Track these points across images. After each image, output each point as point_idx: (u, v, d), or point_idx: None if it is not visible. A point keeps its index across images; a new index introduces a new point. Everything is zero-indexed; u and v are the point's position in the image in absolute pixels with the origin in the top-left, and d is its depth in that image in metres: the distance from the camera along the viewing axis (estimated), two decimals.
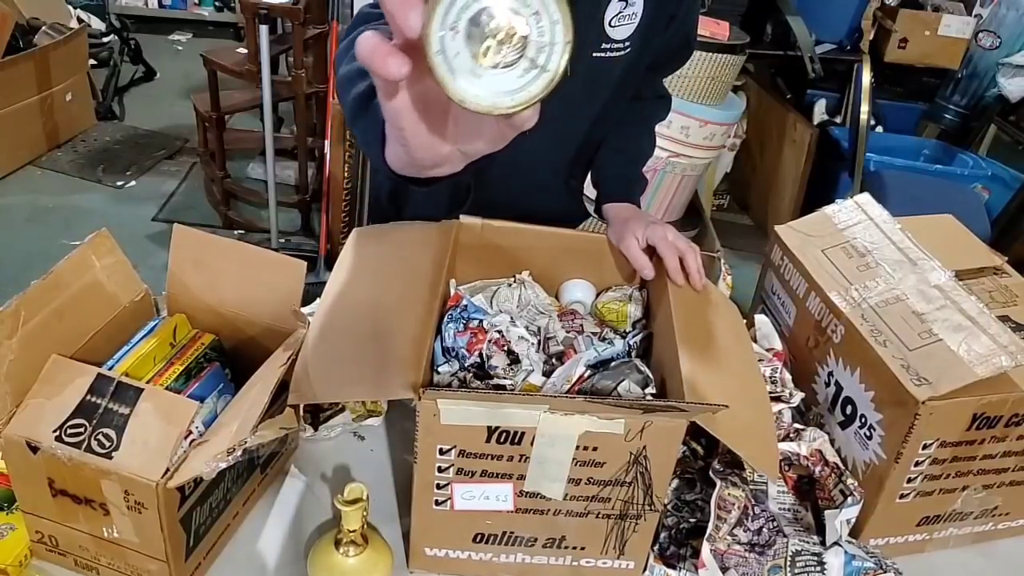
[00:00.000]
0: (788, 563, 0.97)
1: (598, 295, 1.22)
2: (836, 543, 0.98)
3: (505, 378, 1.02)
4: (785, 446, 1.05)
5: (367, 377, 0.88)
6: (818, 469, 1.05)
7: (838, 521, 0.98)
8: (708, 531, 0.96)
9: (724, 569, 0.98)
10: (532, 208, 1.18)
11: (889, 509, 1.05)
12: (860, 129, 2.99)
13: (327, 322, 0.96)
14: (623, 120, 1.27)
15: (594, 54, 1.10)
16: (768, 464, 0.91)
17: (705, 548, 0.96)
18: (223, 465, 0.84)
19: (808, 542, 0.99)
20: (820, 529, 1.02)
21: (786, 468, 1.10)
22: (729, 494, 1.00)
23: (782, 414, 1.09)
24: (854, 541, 1.01)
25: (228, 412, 0.94)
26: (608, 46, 1.10)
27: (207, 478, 0.85)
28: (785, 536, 0.99)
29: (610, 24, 1.08)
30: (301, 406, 1.13)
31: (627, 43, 1.11)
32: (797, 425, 1.09)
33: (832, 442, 1.10)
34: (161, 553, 0.89)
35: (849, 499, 0.99)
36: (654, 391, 1.01)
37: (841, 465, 1.06)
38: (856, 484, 1.01)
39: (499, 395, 0.89)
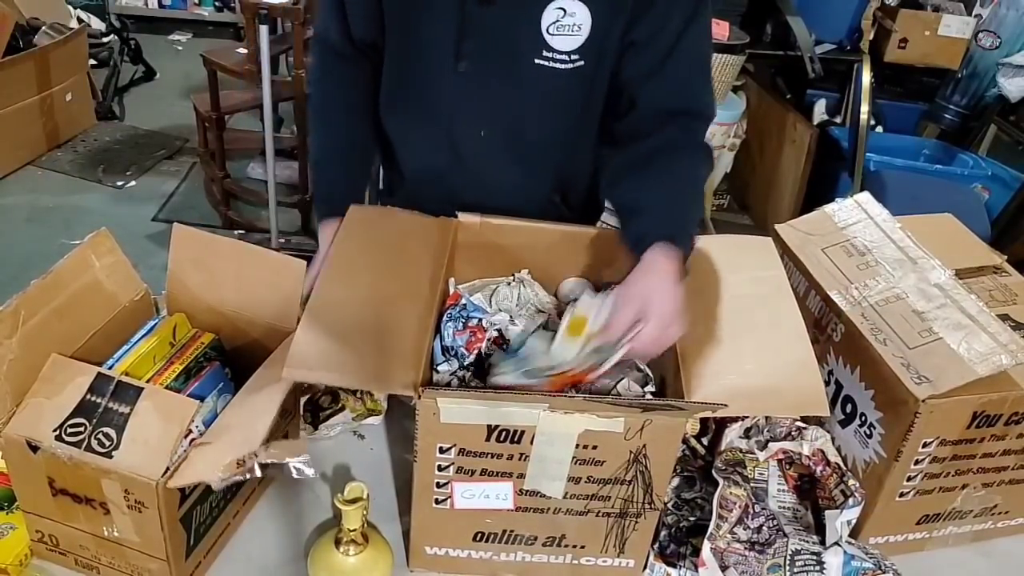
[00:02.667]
0: (787, 562, 0.97)
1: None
2: (835, 543, 0.98)
3: None
4: (787, 445, 1.05)
5: (366, 367, 0.88)
6: (820, 469, 1.05)
7: (839, 522, 0.97)
8: (709, 530, 0.96)
9: (724, 567, 0.98)
10: (511, 209, 1.18)
11: (889, 508, 1.05)
12: (860, 129, 2.99)
13: (327, 302, 0.95)
14: (643, 171, 1.11)
15: (536, 61, 1.11)
16: (813, 405, 0.91)
17: (706, 547, 0.96)
18: (237, 478, 0.84)
19: (808, 541, 0.99)
20: (820, 528, 1.02)
21: (787, 467, 1.10)
22: (731, 493, 1.00)
23: None
24: (853, 541, 1.01)
25: (230, 413, 0.94)
26: (550, 55, 1.11)
27: (216, 489, 0.86)
28: (785, 535, 0.99)
29: (548, 32, 1.09)
30: (301, 405, 1.14)
31: (576, 56, 1.11)
32: (799, 423, 1.09)
33: (832, 441, 1.10)
34: (161, 552, 0.89)
35: (850, 500, 0.99)
36: (653, 389, 1.01)
37: (843, 465, 1.06)
38: (857, 485, 1.01)
39: (499, 394, 0.89)
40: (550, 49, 1.11)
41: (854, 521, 1.00)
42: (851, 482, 1.01)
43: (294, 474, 0.89)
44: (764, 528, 1.01)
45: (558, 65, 1.12)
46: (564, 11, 1.08)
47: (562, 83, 1.14)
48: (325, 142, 1.28)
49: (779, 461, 1.10)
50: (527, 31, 1.10)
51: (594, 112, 1.22)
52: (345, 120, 1.27)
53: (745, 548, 0.99)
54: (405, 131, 1.28)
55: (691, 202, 1.11)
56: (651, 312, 0.92)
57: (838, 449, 1.09)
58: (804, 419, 1.15)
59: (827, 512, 0.99)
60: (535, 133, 1.21)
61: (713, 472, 1.01)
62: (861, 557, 0.97)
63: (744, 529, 1.01)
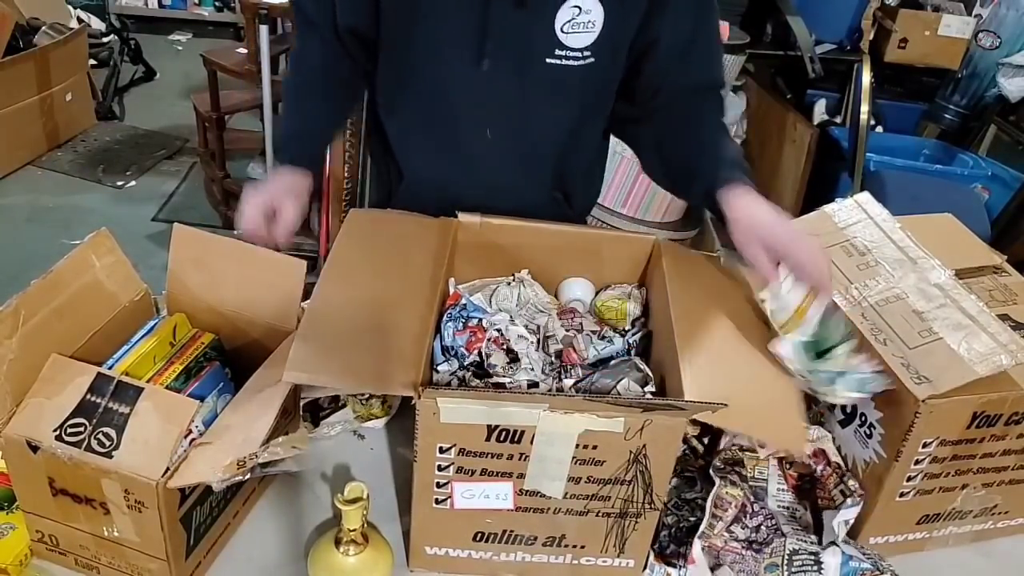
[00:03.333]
0: (785, 561, 0.97)
1: (597, 293, 1.22)
2: (833, 543, 0.98)
3: (504, 376, 1.02)
4: None
5: (367, 367, 0.88)
6: (820, 468, 1.05)
7: (836, 522, 0.97)
8: (701, 528, 0.96)
9: (719, 565, 0.98)
10: (510, 209, 1.18)
11: (889, 508, 1.05)
12: (860, 129, 2.98)
13: (327, 305, 0.96)
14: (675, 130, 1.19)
15: (548, 60, 1.11)
16: (792, 441, 0.92)
17: (696, 545, 0.96)
18: (239, 478, 0.84)
19: (806, 541, 0.99)
20: (818, 528, 1.02)
21: (787, 466, 1.10)
22: (727, 492, 1.00)
23: None
24: (851, 541, 1.01)
25: (230, 413, 0.94)
26: (563, 53, 1.11)
27: (217, 490, 0.86)
28: (783, 535, 0.99)
29: (562, 30, 1.09)
30: (301, 404, 1.13)
31: (587, 52, 1.11)
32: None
33: (833, 440, 1.09)
34: (161, 552, 0.89)
35: (849, 500, 0.99)
36: (653, 389, 1.01)
37: (843, 465, 1.05)
38: (857, 485, 1.01)
39: (499, 394, 0.89)
40: (563, 47, 1.10)
41: (852, 521, 1.00)
42: (851, 482, 1.01)
43: (294, 467, 0.89)
44: (762, 527, 1.01)
45: (570, 63, 1.11)
46: (579, 9, 1.08)
47: (572, 80, 1.14)
48: (299, 91, 1.26)
49: (779, 460, 1.10)
50: (541, 30, 1.09)
51: (600, 106, 1.22)
52: (322, 84, 1.25)
53: (743, 547, 0.99)
54: (407, 133, 1.27)
55: (739, 154, 1.15)
56: (782, 242, 0.99)
57: (838, 449, 1.09)
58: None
59: (825, 512, 0.99)
60: (541, 131, 1.21)
61: (711, 471, 1.01)
62: (859, 557, 0.97)
63: (742, 528, 1.01)
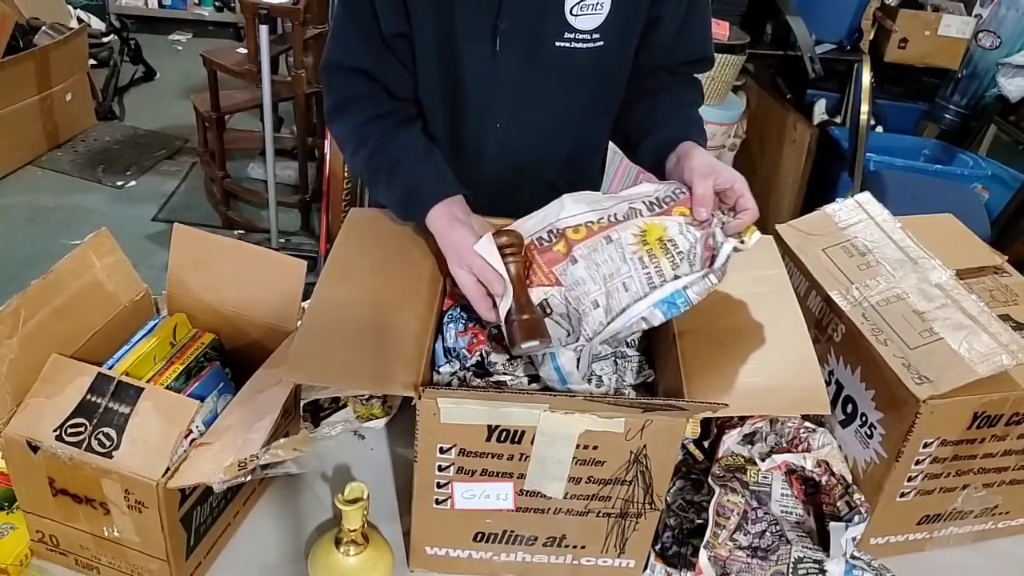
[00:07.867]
0: (790, 570, 0.96)
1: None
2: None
3: (506, 374, 1.02)
4: (790, 458, 1.05)
5: (367, 367, 0.88)
6: (824, 479, 1.05)
7: (844, 539, 0.97)
8: (706, 538, 0.96)
9: (726, 575, 0.97)
10: (511, 209, 1.17)
11: (890, 508, 1.05)
12: (860, 129, 2.98)
13: (327, 305, 0.95)
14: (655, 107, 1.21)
15: (557, 43, 1.10)
16: (815, 404, 0.92)
17: (703, 555, 0.96)
18: (239, 480, 0.84)
19: (810, 548, 0.99)
20: (822, 534, 1.02)
21: (791, 472, 1.09)
22: (728, 500, 0.99)
23: None
24: (856, 550, 1.01)
25: (230, 413, 0.94)
26: (572, 36, 1.10)
27: (217, 490, 0.86)
28: (788, 542, 0.99)
29: (571, 13, 1.08)
30: (302, 405, 1.13)
31: (596, 35, 1.10)
32: (808, 424, 1.08)
33: (840, 448, 1.09)
34: (162, 552, 0.89)
35: (856, 517, 0.98)
36: (651, 379, 1.01)
37: (848, 477, 1.05)
38: (863, 499, 1.01)
39: (499, 394, 0.89)
40: (572, 30, 1.09)
41: (859, 537, 0.99)
42: (856, 495, 1.01)
43: (294, 469, 0.89)
44: (767, 534, 1.01)
45: (578, 45, 1.10)
46: None
47: (580, 64, 1.13)
48: (385, 143, 1.14)
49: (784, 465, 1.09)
50: (551, 13, 1.08)
51: (609, 91, 1.21)
52: (395, 121, 1.15)
53: (748, 555, 0.99)
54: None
55: (700, 122, 1.19)
56: (727, 176, 0.99)
57: (845, 458, 1.09)
58: (805, 418, 1.15)
59: (832, 525, 0.98)
60: (549, 120, 1.20)
61: (709, 479, 1.00)
62: (862, 566, 0.97)
63: (745, 535, 1.01)
